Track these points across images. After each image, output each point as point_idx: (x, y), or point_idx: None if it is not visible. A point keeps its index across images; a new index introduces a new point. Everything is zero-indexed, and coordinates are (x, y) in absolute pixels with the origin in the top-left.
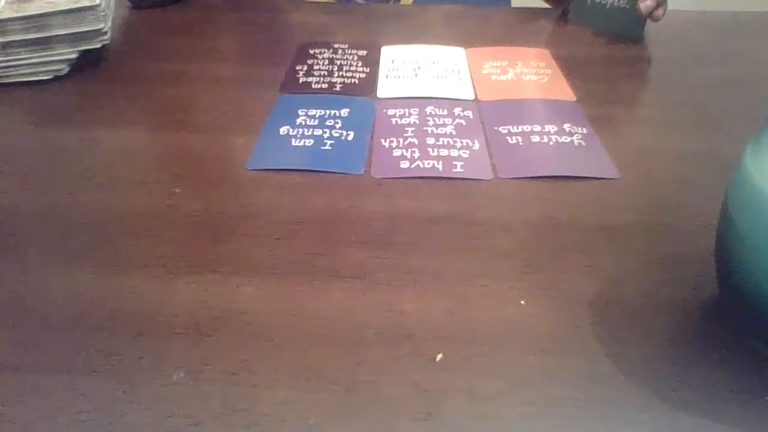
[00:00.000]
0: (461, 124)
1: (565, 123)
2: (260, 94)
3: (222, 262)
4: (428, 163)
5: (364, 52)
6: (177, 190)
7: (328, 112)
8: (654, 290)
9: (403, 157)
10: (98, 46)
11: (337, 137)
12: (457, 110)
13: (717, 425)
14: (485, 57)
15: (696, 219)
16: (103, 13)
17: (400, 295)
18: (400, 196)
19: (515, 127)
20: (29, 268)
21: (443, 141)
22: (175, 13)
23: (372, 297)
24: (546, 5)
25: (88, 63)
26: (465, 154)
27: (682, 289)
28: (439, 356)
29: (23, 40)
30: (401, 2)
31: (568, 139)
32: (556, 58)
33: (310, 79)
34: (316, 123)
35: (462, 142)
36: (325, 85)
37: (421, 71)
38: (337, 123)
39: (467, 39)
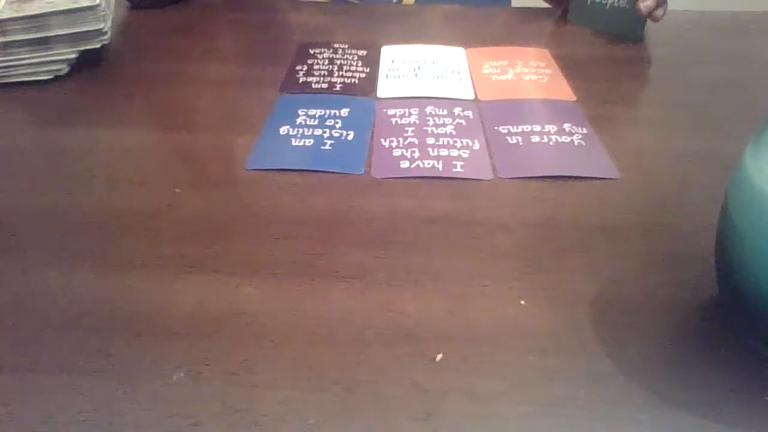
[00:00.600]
0: (461, 124)
1: (565, 123)
2: (260, 94)
3: (222, 262)
4: (428, 163)
5: (364, 52)
6: (177, 190)
7: (328, 112)
8: (654, 290)
9: (403, 157)
10: (98, 46)
11: (337, 137)
12: (457, 110)
13: (717, 425)
14: (485, 57)
15: (696, 219)
16: (103, 13)
17: (400, 295)
18: (400, 196)
19: (515, 127)
20: (29, 268)
21: (443, 141)
22: (174, 13)
23: (372, 297)
24: (546, 5)
25: (88, 63)
26: (465, 154)
27: (682, 289)
28: (439, 356)
29: (23, 40)
30: (403, 2)
31: (568, 139)
32: (556, 58)
33: (310, 79)
34: (316, 123)
35: (462, 142)
36: (325, 85)
37: (421, 71)
38: (337, 123)
39: (467, 39)
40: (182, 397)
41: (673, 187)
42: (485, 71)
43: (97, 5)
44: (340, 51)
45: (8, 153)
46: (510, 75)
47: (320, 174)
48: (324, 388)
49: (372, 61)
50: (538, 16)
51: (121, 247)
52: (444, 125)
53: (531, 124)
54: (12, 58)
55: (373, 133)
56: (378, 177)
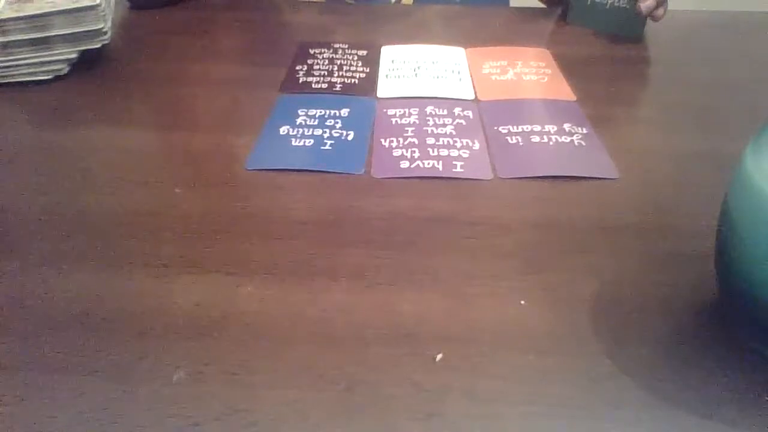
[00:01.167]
0: (461, 124)
1: (565, 123)
2: (260, 94)
3: (222, 262)
4: (428, 163)
5: (364, 52)
6: (177, 190)
7: (328, 112)
8: (654, 290)
9: (403, 157)
10: (98, 46)
11: (337, 137)
12: (457, 110)
13: (717, 425)
14: (485, 57)
15: (696, 219)
16: (103, 13)
17: (400, 295)
18: (400, 195)
19: (515, 127)
20: (29, 268)
21: (443, 141)
22: (175, 13)
23: (372, 297)
24: (544, 5)
25: (88, 63)
26: (465, 154)
27: (682, 289)
28: (439, 356)
29: (23, 40)
30: (402, 2)
31: (568, 139)
32: (556, 58)
33: (310, 79)
34: (316, 123)
35: (462, 142)
36: (325, 85)
37: (421, 71)
38: (337, 123)
39: (467, 39)
40: (182, 397)
41: (673, 187)
42: (485, 71)
43: (98, 5)
44: (340, 51)
45: (8, 153)
46: (510, 75)
47: (320, 174)
48: (324, 388)
49: (372, 61)
50: (538, 16)
51: (121, 246)
52: (444, 125)
53: (531, 124)
54: (12, 58)
55: (373, 133)
56: (378, 177)
